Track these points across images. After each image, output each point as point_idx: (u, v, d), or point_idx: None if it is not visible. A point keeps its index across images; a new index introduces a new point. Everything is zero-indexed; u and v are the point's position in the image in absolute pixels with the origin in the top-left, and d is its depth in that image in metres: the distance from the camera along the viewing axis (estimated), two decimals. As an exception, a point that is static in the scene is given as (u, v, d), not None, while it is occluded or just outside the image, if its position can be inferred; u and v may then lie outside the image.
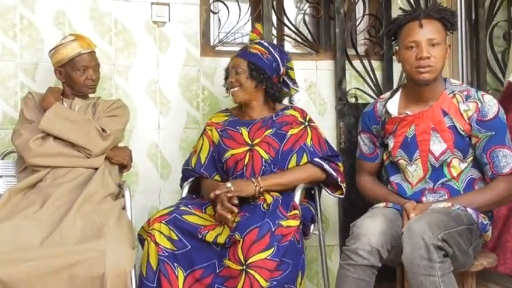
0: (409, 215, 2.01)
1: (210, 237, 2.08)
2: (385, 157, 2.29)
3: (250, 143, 2.35)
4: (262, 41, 2.47)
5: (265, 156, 2.30)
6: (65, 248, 1.93)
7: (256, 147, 2.32)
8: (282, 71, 2.43)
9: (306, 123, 2.40)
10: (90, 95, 2.41)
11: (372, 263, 1.94)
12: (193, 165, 2.43)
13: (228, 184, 2.15)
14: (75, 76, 2.30)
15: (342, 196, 2.43)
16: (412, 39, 2.07)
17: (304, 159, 2.31)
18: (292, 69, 2.51)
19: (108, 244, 1.92)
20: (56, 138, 2.21)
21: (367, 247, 1.93)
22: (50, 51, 2.34)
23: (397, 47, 2.18)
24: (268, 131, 2.35)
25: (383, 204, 2.20)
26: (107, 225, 2.03)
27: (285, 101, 2.64)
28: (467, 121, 2.08)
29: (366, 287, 1.96)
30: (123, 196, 2.29)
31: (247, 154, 2.32)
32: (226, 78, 2.46)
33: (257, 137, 2.35)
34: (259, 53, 2.38)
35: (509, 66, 2.80)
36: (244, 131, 2.38)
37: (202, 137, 2.47)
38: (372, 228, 1.96)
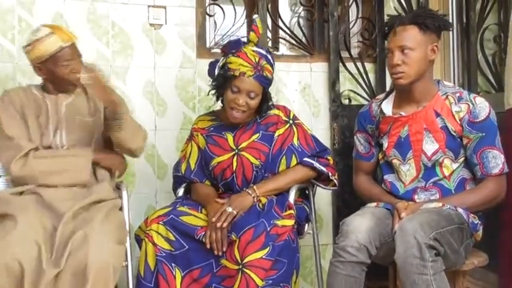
0: (400, 215, 2.04)
1: (205, 239, 2.07)
2: (380, 156, 2.33)
3: (235, 148, 2.33)
4: (267, 55, 2.29)
5: (255, 162, 2.29)
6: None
7: (243, 153, 2.31)
8: None
9: (291, 122, 2.38)
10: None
11: (361, 260, 1.98)
12: (183, 172, 2.41)
13: (229, 209, 2.11)
14: (59, 71, 2.17)
15: (336, 188, 2.44)
16: (387, 47, 2.17)
17: (294, 160, 2.32)
18: None
19: (91, 238, 1.90)
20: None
21: (355, 244, 1.97)
22: (25, 47, 2.19)
23: None
24: (255, 136, 2.33)
25: (374, 204, 2.24)
26: (91, 224, 2.01)
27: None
28: (459, 122, 2.12)
29: (356, 283, 1.99)
30: (119, 197, 2.26)
31: (234, 160, 2.31)
32: (220, 86, 2.29)
33: (242, 142, 2.33)
34: (270, 76, 2.28)
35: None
36: (229, 136, 2.36)
37: (191, 143, 2.44)
38: (359, 225, 2.00)
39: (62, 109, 2.25)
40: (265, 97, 2.31)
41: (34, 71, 2.22)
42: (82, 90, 2.30)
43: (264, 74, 2.24)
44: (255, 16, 2.35)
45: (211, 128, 2.41)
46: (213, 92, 2.35)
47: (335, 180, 2.38)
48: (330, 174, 2.34)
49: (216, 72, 2.28)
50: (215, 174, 2.35)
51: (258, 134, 2.34)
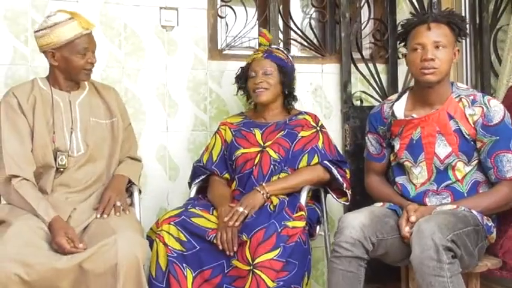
0: (410, 218, 2.03)
1: (216, 240, 2.08)
2: (392, 158, 2.32)
3: (262, 144, 2.39)
4: (279, 48, 2.57)
5: (274, 155, 2.34)
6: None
7: (267, 149, 2.37)
8: (295, 78, 2.53)
9: (318, 128, 2.45)
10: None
11: (357, 255, 1.98)
12: (204, 162, 2.47)
13: (240, 209, 2.14)
14: (74, 60, 2.10)
15: (347, 203, 2.46)
16: (418, 41, 2.12)
17: (315, 159, 2.35)
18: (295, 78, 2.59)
19: (118, 235, 1.89)
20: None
21: (349, 239, 1.98)
22: (39, 30, 2.12)
23: (406, 51, 2.22)
24: (281, 133, 2.40)
25: (381, 203, 2.24)
26: (112, 220, 2.04)
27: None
28: (473, 125, 2.11)
29: (354, 278, 2.00)
30: (129, 196, 2.29)
31: (258, 155, 2.36)
32: (241, 77, 2.51)
33: (269, 140, 2.39)
34: (284, 59, 2.47)
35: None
36: (258, 132, 2.43)
37: (215, 136, 2.52)
38: (353, 221, 2.01)
39: (76, 108, 2.22)
40: (286, 85, 2.45)
41: (46, 57, 2.15)
42: (94, 89, 2.29)
43: (274, 54, 2.45)
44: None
45: (241, 124, 2.51)
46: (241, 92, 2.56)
47: (349, 195, 2.40)
48: (345, 185, 2.36)
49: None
50: (237, 165, 2.39)
51: (283, 132, 2.41)
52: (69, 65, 2.13)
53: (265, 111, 2.49)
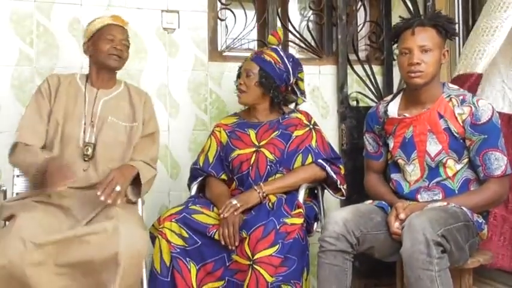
0: (399, 215, 2.08)
1: (218, 236, 2.13)
2: (389, 156, 2.37)
3: (257, 144, 2.42)
4: (278, 49, 2.54)
5: (270, 156, 2.37)
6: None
7: (262, 149, 2.39)
8: (291, 81, 2.51)
9: (311, 126, 2.47)
10: (112, 86, 2.35)
11: (340, 248, 2.04)
12: (201, 164, 2.49)
13: (234, 201, 2.20)
14: (100, 45, 2.23)
15: (343, 198, 2.51)
16: (404, 46, 2.18)
17: (309, 159, 2.38)
18: (302, 80, 2.58)
19: (120, 223, 1.94)
20: None
21: (333, 234, 2.04)
22: (84, 32, 2.33)
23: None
24: (275, 133, 2.42)
25: (370, 201, 2.29)
26: (115, 209, 2.05)
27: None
28: (461, 124, 2.15)
29: (340, 272, 2.05)
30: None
31: (254, 155, 2.39)
32: (238, 77, 2.54)
33: (264, 139, 2.42)
34: (272, 61, 2.45)
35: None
36: (252, 133, 2.46)
37: (210, 138, 2.54)
38: (335, 217, 2.08)
39: (99, 105, 2.28)
40: (275, 90, 2.44)
41: (84, 51, 2.32)
42: (127, 92, 2.35)
43: (263, 57, 2.46)
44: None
45: (235, 125, 2.52)
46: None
47: (343, 190, 2.44)
48: (339, 182, 2.41)
49: None
50: (233, 166, 2.41)
51: (277, 132, 2.43)
52: (96, 50, 2.25)
53: (256, 112, 2.51)
